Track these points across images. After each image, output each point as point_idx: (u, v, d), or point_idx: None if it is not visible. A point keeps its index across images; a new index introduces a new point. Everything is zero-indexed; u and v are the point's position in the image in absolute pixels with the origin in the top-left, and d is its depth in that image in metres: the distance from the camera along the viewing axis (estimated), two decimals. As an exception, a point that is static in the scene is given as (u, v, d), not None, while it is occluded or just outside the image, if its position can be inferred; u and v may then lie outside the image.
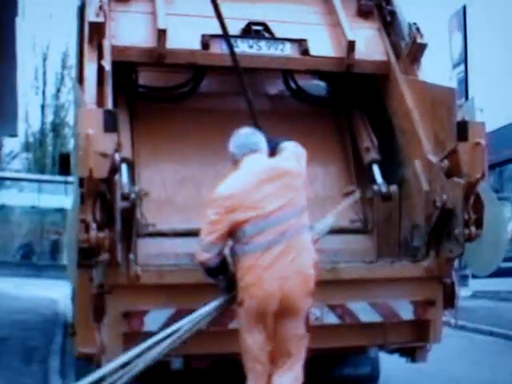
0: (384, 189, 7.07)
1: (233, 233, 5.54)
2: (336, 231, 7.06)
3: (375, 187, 7.12)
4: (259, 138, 5.89)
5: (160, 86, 7.68)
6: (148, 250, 6.62)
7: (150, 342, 5.46)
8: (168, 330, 5.57)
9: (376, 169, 7.35)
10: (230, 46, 6.66)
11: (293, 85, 7.90)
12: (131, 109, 7.30)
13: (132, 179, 6.73)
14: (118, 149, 5.58)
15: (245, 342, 5.56)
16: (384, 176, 7.27)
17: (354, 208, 7.38)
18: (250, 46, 7.13)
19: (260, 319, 5.48)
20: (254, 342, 5.52)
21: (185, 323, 5.63)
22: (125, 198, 5.77)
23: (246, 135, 5.91)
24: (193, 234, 6.73)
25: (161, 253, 6.71)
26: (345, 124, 7.85)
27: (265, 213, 5.46)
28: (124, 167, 6.37)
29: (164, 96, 7.64)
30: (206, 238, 5.56)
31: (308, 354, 6.63)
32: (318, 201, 7.17)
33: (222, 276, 5.73)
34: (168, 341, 5.51)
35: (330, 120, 7.92)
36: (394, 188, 7.05)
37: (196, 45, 7.02)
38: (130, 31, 7.05)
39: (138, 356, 5.39)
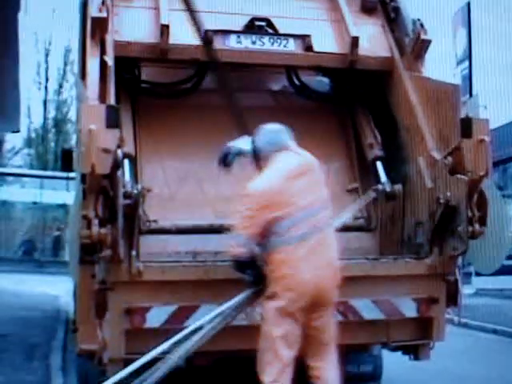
0: (388, 188, 7.03)
1: (267, 227, 5.63)
2: (339, 228, 7.06)
3: (379, 186, 7.08)
4: (288, 136, 6.04)
5: (163, 82, 7.65)
6: (150, 246, 6.59)
7: (173, 339, 5.49)
8: (193, 327, 5.61)
9: (379, 165, 7.32)
10: (206, 40, 6.71)
11: (296, 81, 7.87)
12: (134, 104, 7.27)
13: (134, 175, 6.71)
14: (120, 144, 5.56)
15: (270, 336, 5.62)
16: (387, 173, 7.25)
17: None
18: (253, 42, 7.11)
19: (292, 312, 5.57)
20: (281, 336, 5.58)
21: (211, 318, 5.66)
22: (127, 196, 5.76)
23: (276, 132, 6.03)
24: (195, 230, 6.73)
25: (163, 249, 6.69)
26: (348, 120, 7.82)
27: (299, 207, 5.63)
28: (126, 163, 6.36)
29: (167, 92, 7.60)
30: (241, 232, 5.65)
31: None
32: None
33: (250, 270, 5.77)
34: (195, 338, 5.55)
35: (334, 116, 7.89)
36: (398, 187, 7.02)
37: (199, 40, 6.99)
38: (132, 26, 7.02)
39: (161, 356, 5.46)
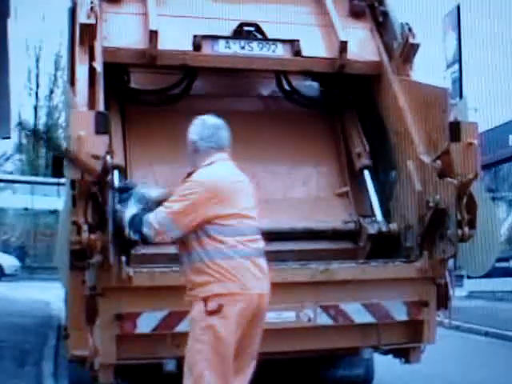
0: (384, 227, 6.99)
1: (203, 225, 4.99)
2: (329, 232, 7.09)
3: (375, 225, 7.01)
4: (228, 135, 5.34)
5: (151, 89, 7.63)
6: (140, 250, 6.57)
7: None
8: None
9: (367, 174, 7.36)
10: None
11: (286, 86, 7.88)
12: (123, 111, 7.27)
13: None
14: (109, 152, 5.56)
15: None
16: (377, 177, 7.29)
17: (348, 209, 7.37)
18: (242, 47, 7.12)
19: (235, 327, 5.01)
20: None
21: None
22: None
23: (219, 128, 5.31)
24: None
25: (153, 253, 6.69)
26: (338, 126, 7.84)
27: (245, 217, 5.13)
28: (116, 172, 6.38)
29: (156, 99, 7.58)
30: (169, 212, 5.02)
31: (301, 355, 6.67)
32: (310, 201, 7.21)
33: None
34: None
35: (323, 121, 7.90)
36: (393, 226, 6.98)
37: (187, 46, 7.01)
38: (121, 32, 7.03)
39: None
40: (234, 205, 5.03)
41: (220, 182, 5.07)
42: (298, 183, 7.39)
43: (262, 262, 5.09)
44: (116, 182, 6.32)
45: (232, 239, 4.95)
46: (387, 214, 7.14)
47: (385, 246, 6.95)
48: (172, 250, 6.61)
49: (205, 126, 5.31)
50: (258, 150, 7.37)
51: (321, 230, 7.13)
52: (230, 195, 5.06)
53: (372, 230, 6.98)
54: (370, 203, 7.28)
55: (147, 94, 7.58)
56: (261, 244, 5.13)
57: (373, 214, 7.19)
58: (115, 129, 6.76)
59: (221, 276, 4.90)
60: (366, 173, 7.40)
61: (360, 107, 7.76)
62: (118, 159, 6.66)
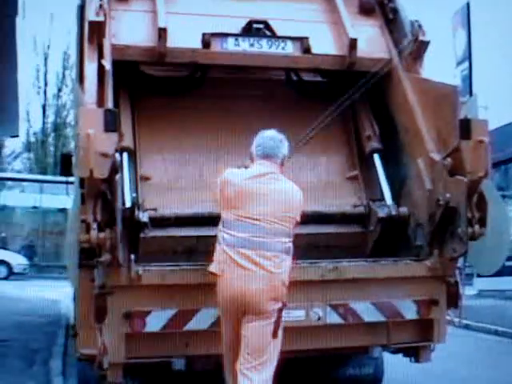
0: (394, 211, 6.96)
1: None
2: (339, 216, 7.07)
3: (385, 209, 7.00)
4: (278, 147, 5.94)
5: (162, 76, 7.59)
6: (149, 234, 6.54)
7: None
8: None
9: (377, 158, 7.34)
10: None
11: (296, 80, 7.87)
12: (133, 99, 7.24)
13: (134, 166, 6.86)
14: (118, 148, 5.55)
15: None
16: (387, 174, 7.25)
17: (358, 193, 7.37)
18: (251, 45, 7.09)
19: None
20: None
21: None
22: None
23: (266, 138, 5.94)
24: (194, 218, 6.73)
25: (162, 236, 6.69)
26: (348, 110, 7.78)
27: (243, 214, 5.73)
28: (125, 156, 6.53)
29: (166, 89, 7.55)
30: None
31: (310, 354, 6.64)
32: (319, 185, 7.21)
33: None
34: None
35: (333, 106, 7.86)
36: (403, 210, 6.95)
37: (197, 43, 6.98)
38: (130, 30, 7.02)
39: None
40: (238, 205, 5.67)
41: (231, 180, 5.73)
42: (307, 167, 7.37)
43: (253, 253, 5.56)
44: (125, 165, 6.42)
45: (223, 229, 5.68)
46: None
47: (394, 231, 6.94)
48: (179, 232, 6.81)
49: (258, 137, 5.96)
50: None
51: (330, 213, 7.13)
52: (239, 196, 5.69)
53: (382, 213, 6.97)
54: (380, 187, 7.27)
55: (157, 82, 7.54)
56: (262, 239, 5.60)
57: (382, 198, 7.18)
58: (125, 115, 6.80)
59: (215, 257, 5.70)
60: (376, 156, 7.38)
61: (371, 100, 7.69)
62: (128, 142, 6.73)
